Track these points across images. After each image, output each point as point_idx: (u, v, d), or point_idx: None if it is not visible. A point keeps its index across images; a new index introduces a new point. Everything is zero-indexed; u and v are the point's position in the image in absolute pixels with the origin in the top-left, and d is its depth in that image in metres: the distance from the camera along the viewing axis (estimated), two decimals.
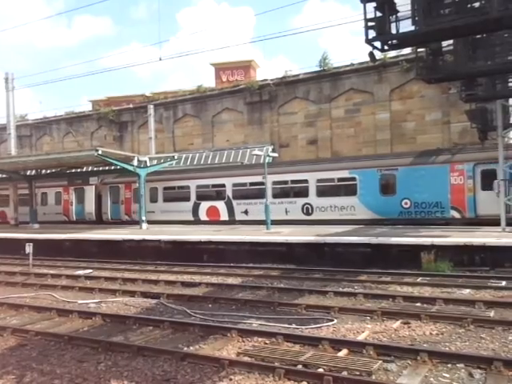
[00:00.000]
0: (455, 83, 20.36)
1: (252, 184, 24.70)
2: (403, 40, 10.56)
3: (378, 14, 9.79)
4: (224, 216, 25.43)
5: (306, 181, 23.24)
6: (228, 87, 36.76)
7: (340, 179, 22.49)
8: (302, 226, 21.74)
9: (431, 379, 6.44)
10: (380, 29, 9.80)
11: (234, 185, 25.30)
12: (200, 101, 36.91)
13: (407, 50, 25.82)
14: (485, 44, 13.89)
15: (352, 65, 30.92)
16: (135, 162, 25.42)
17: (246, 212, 24.87)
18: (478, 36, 13.77)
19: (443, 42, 13.81)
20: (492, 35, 13.66)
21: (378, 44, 10.23)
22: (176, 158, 29.34)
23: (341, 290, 12.41)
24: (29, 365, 7.54)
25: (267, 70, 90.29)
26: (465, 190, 19.58)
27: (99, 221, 30.28)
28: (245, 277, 14.99)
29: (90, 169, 32.51)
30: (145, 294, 12.56)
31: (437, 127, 28.34)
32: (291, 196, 23.77)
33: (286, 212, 23.59)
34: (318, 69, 32.16)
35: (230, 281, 14.46)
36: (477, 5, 9.49)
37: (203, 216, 26.35)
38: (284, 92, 33.34)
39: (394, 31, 9.89)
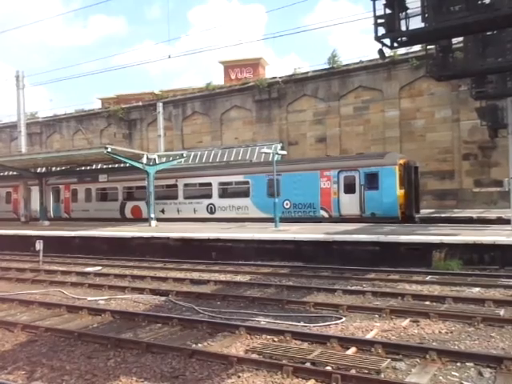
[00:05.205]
0: (465, 80, 20.29)
1: (168, 186, 27.94)
2: (413, 37, 10.50)
3: (388, 11, 9.75)
4: (145, 214, 27.26)
5: (210, 184, 26.31)
6: (237, 85, 36.69)
7: (237, 183, 25.68)
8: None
9: (440, 378, 6.41)
10: (389, 26, 9.77)
11: (154, 186, 27.44)
12: (209, 98, 36.94)
13: (417, 48, 25.69)
14: (495, 41, 13.76)
15: (361, 62, 30.79)
16: (144, 160, 25.59)
17: (162, 211, 27.76)
18: (489, 33, 13.66)
19: (453, 39, 13.73)
20: (503, 32, 13.52)
21: (387, 41, 10.20)
22: (185, 155, 29.41)
23: (349, 288, 12.36)
24: (39, 360, 7.60)
25: (279, 68, 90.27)
26: (331, 193, 22.69)
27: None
28: (253, 274, 14.99)
29: (99, 166, 32.72)
30: (154, 291, 12.59)
31: (446, 125, 28.19)
32: (198, 197, 26.82)
33: (194, 211, 26.69)
34: (327, 66, 32.09)
35: (239, 278, 14.45)
36: (487, 1, 9.40)
37: (128, 214, 29.41)
38: (293, 90, 33.27)
39: (403, 28, 9.86)
